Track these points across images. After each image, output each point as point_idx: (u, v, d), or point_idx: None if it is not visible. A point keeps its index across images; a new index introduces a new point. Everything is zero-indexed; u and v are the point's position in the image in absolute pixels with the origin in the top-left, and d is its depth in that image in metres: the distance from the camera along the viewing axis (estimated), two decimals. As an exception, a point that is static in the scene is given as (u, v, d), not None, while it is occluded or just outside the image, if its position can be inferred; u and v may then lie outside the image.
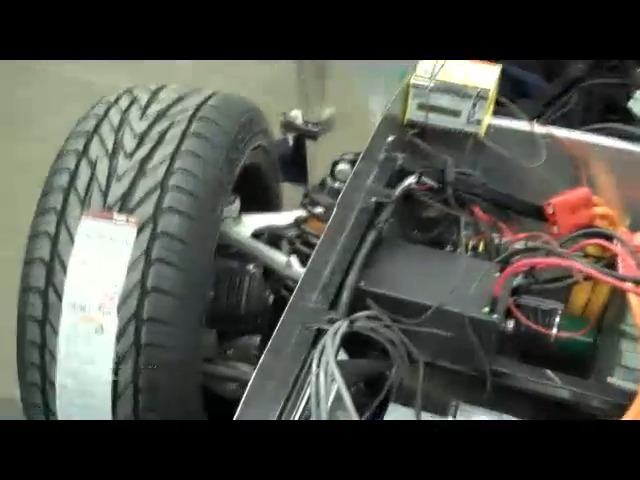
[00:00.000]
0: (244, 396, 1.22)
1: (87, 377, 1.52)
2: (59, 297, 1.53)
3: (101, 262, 1.53)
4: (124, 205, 1.56)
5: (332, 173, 1.80)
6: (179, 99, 1.72)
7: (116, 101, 1.73)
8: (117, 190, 1.57)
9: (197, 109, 1.69)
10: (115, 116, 1.69)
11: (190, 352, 1.59)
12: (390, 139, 1.74)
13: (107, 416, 1.54)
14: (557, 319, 1.67)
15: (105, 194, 1.57)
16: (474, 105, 1.77)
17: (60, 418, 1.57)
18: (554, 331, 1.66)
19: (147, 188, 1.57)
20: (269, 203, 2.12)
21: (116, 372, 1.51)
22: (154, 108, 1.70)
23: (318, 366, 1.23)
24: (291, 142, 2.40)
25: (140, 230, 1.53)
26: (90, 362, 1.52)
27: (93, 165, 1.61)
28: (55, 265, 1.55)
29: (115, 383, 1.52)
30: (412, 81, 1.80)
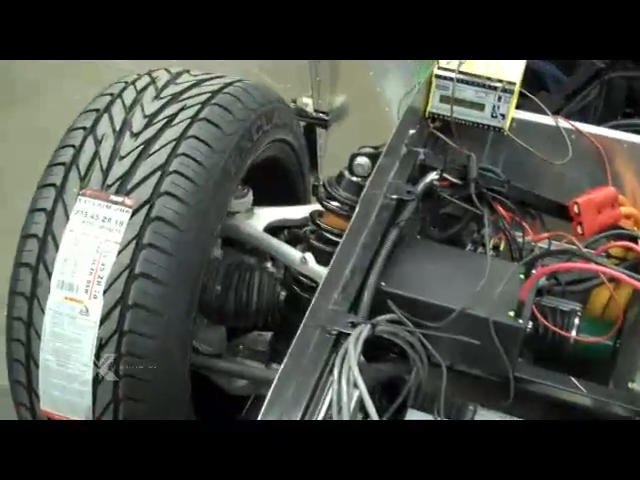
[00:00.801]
0: (266, 400, 1.18)
1: (69, 359, 1.50)
2: (49, 275, 1.50)
3: (92, 242, 1.50)
4: (122, 186, 1.53)
5: (350, 167, 1.75)
6: (197, 83, 1.68)
7: (134, 81, 1.70)
8: (117, 170, 1.54)
9: (213, 95, 1.65)
10: (129, 96, 1.66)
11: (175, 342, 1.55)
12: (411, 132, 1.68)
13: (87, 400, 1.51)
14: (576, 321, 1.63)
15: (105, 173, 1.54)
16: (499, 98, 1.72)
17: (41, 398, 1.55)
18: (573, 333, 1.62)
19: (147, 170, 1.54)
20: (293, 199, 2.07)
21: (97, 357, 1.48)
22: (170, 90, 1.66)
23: (340, 372, 1.20)
24: (301, 130, 2.34)
25: (135, 213, 1.50)
26: (73, 344, 1.49)
27: (98, 143, 1.58)
28: (48, 242, 1.52)
29: (96, 368, 1.49)
30: (435, 72, 1.74)
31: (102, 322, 1.47)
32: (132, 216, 1.50)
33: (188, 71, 1.75)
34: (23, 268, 1.53)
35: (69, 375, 1.50)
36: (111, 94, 1.67)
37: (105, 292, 1.47)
